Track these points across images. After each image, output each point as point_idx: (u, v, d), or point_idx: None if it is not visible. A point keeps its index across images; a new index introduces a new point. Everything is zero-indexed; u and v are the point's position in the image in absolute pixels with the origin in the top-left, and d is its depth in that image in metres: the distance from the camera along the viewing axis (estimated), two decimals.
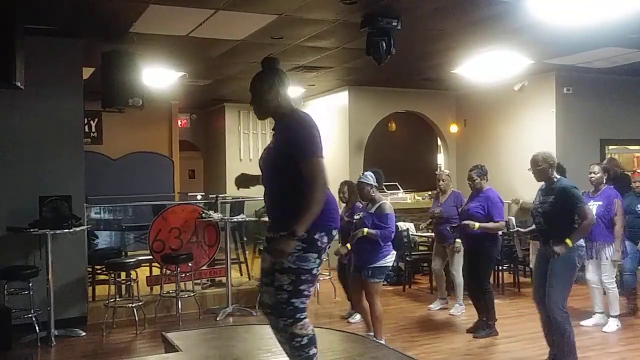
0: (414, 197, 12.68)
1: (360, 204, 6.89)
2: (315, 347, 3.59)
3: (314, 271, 3.56)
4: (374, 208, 6.25)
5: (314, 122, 3.59)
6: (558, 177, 5.42)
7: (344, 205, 7.53)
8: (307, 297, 3.58)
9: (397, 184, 12.32)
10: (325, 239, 3.55)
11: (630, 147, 12.02)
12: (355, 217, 6.58)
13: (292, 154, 3.48)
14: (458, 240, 7.56)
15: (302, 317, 3.54)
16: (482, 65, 8.89)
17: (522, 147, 10.70)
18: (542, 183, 5.52)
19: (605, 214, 6.85)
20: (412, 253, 9.64)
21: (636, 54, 8.83)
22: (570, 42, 8.09)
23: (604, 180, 7.06)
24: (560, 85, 10.41)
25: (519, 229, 6.20)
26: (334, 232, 3.62)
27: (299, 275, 3.49)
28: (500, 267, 9.12)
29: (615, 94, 10.78)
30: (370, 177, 6.33)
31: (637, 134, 11.04)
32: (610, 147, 11.23)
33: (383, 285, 9.56)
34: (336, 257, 7.67)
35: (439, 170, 8.38)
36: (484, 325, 6.81)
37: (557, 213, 5.26)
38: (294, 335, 3.54)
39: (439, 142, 13.63)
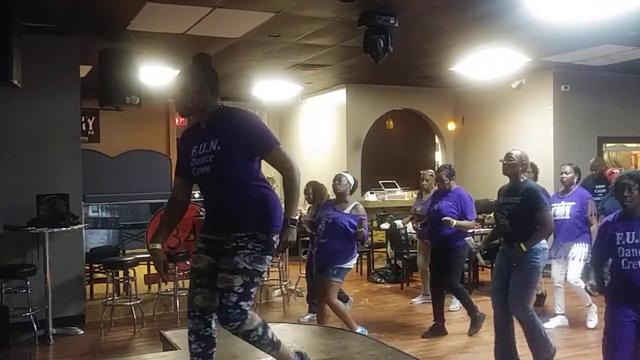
0: (412, 195, 12.66)
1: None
2: (269, 328, 3.50)
3: (264, 273, 3.54)
4: (348, 208, 6.23)
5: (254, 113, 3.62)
6: (525, 178, 5.40)
7: (309, 205, 7.63)
8: (252, 300, 3.46)
9: (394, 181, 12.32)
10: (277, 240, 3.47)
11: (628, 145, 12.03)
12: (324, 217, 6.44)
13: (254, 148, 3.42)
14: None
15: (248, 316, 3.40)
16: (479, 63, 8.89)
17: (520, 144, 10.59)
18: (503, 184, 5.50)
19: (579, 215, 6.83)
20: (410, 251, 9.64)
21: (634, 51, 8.84)
22: (568, 39, 8.09)
23: (575, 180, 7.03)
24: (558, 83, 10.42)
25: (478, 247, 6.09)
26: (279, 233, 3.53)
27: (253, 278, 3.39)
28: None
29: (613, 92, 10.80)
30: (351, 178, 6.39)
31: (635, 131, 11.06)
32: (608, 144, 11.26)
33: (381, 283, 9.70)
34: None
35: (431, 168, 8.41)
36: (472, 320, 6.83)
37: (522, 214, 5.19)
38: (248, 333, 3.43)
39: (437, 140, 13.65)
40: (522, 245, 5.12)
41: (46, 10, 6.50)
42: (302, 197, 6.87)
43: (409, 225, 9.81)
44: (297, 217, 3.43)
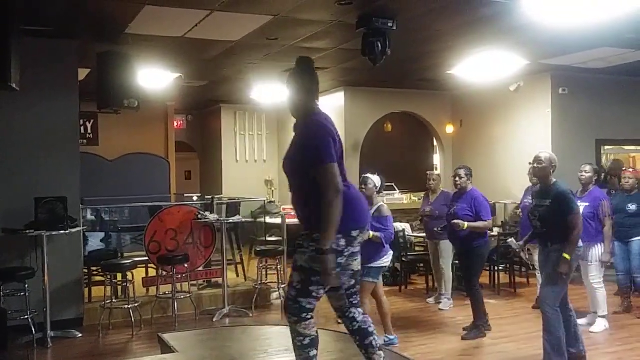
0: (410, 198, 12.70)
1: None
2: (316, 350, 3.61)
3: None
4: (372, 210, 6.25)
5: (328, 127, 3.64)
6: (555, 180, 5.47)
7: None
8: (316, 299, 3.58)
9: (393, 184, 12.33)
10: (342, 242, 3.53)
11: (626, 148, 12.04)
12: None
13: (306, 161, 3.54)
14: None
15: (308, 317, 3.55)
16: (477, 66, 8.90)
17: (518, 147, 10.74)
18: (536, 186, 5.57)
19: (592, 215, 6.85)
20: (409, 254, 9.65)
21: (632, 54, 8.85)
22: (565, 42, 8.11)
23: (593, 180, 7.07)
24: (556, 86, 10.44)
25: (520, 246, 6.12)
26: (355, 233, 3.60)
27: (309, 276, 3.51)
28: (496, 268, 9.13)
29: (611, 95, 10.81)
30: (377, 179, 6.43)
31: (633, 134, 11.08)
32: (606, 147, 11.27)
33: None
34: None
35: (430, 170, 8.50)
36: (472, 327, 6.82)
37: (553, 216, 5.31)
38: (297, 334, 3.58)
39: (435, 143, 13.66)
40: (565, 255, 5.21)
41: (44, 14, 6.50)
42: None
43: (407, 228, 9.87)
44: (328, 247, 3.39)
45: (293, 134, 3.80)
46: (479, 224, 6.77)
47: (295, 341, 3.59)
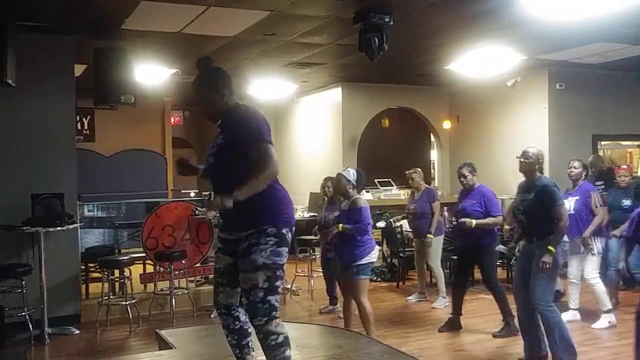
0: (407, 193, 12.67)
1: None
2: (290, 348, 3.53)
3: (284, 266, 3.54)
4: (347, 204, 6.21)
5: (259, 112, 3.62)
6: (539, 175, 5.51)
7: (325, 200, 7.69)
8: (279, 294, 3.55)
9: (390, 180, 12.32)
10: (289, 236, 3.54)
11: (623, 143, 12.06)
12: (330, 216, 6.73)
13: (244, 144, 3.45)
14: (430, 235, 7.93)
15: (277, 314, 3.48)
16: (475, 61, 8.90)
17: (515, 142, 10.71)
18: (521, 180, 5.62)
19: (583, 208, 6.87)
20: (406, 249, 9.64)
21: (629, 49, 8.86)
22: (563, 37, 8.11)
23: (583, 175, 7.08)
24: (553, 81, 10.45)
25: (510, 248, 6.15)
26: (285, 231, 3.55)
27: (275, 271, 3.46)
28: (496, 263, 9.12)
29: (608, 90, 10.82)
30: (351, 174, 6.19)
31: (630, 129, 11.09)
32: (603, 142, 11.28)
33: (377, 281, 9.70)
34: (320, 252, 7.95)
35: (417, 168, 8.51)
36: (504, 325, 6.69)
37: (538, 211, 5.33)
38: (270, 333, 3.45)
39: (432, 138, 13.66)
40: (551, 247, 5.21)
41: (41, 9, 6.48)
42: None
43: (405, 224, 9.85)
44: (240, 197, 3.30)
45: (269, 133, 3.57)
46: (488, 220, 6.74)
47: (269, 341, 3.46)
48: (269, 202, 3.50)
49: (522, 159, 5.53)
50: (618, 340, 6.43)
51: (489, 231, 6.79)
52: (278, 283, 3.49)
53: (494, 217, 6.77)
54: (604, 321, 6.89)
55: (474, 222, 6.69)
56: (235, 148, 3.50)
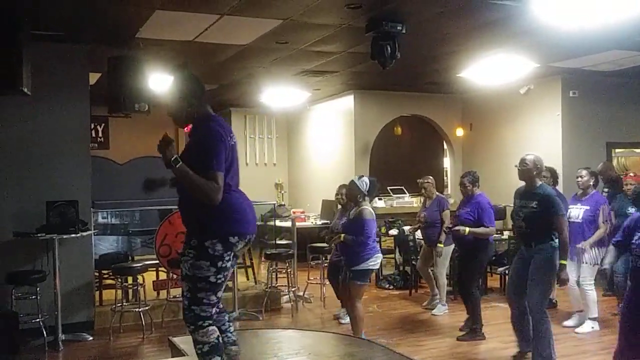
0: (420, 201, 12.64)
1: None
2: (220, 356, 3.59)
3: (212, 279, 3.56)
4: (354, 212, 6.33)
5: (220, 132, 3.60)
6: (540, 183, 5.60)
7: (340, 207, 7.70)
8: (210, 305, 3.58)
9: (403, 187, 12.31)
10: (219, 247, 3.54)
11: (637, 150, 11.94)
12: (340, 222, 6.84)
13: (197, 168, 3.52)
14: (440, 244, 7.91)
15: (205, 324, 3.55)
16: (487, 69, 8.88)
17: (528, 150, 10.56)
18: (519, 186, 5.72)
19: (591, 219, 6.96)
20: (418, 257, 9.59)
21: None
22: (576, 45, 8.08)
23: (591, 183, 7.16)
24: (566, 89, 10.40)
25: None
26: (233, 240, 3.60)
27: (195, 283, 3.54)
28: (506, 272, 9.07)
29: (622, 97, 10.76)
30: (364, 183, 6.40)
31: None
32: (617, 150, 11.20)
33: (390, 289, 9.68)
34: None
35: (420, 179, 8.57)
36: (470, 329, 6.90)
37: (538, 218, 5.44)
38: (196, 342, 3.59)
39: (445, 146, 13.63)
40: (563, 262, 5.36)
41: (56, 19, 6.55)
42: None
43: (418, 233, 9.84)
44: (177, 173, 3.52)
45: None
46: (481, 230, 6.84)
47: (196, 349, 3.60)
48: (201, 214, 3.58)
49: (519, 167, 5.63)
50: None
51: (480, 240, 6.87)
52: (201, 295, 3.55)
53: (486, 227, 6.85)
54: (587, 326, 7.02)
55: (467, 229, 6.79)
56: (191, 164, 3.57)
